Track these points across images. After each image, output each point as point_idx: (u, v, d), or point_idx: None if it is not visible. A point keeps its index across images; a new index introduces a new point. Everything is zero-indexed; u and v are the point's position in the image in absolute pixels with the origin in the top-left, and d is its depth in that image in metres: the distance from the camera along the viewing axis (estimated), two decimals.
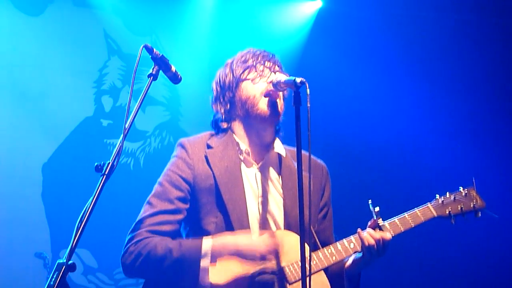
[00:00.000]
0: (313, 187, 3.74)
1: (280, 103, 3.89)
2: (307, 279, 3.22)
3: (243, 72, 3.91)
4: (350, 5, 8.06)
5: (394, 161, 7.83)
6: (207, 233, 3.73)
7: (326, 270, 3.87)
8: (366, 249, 3.79)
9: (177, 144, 3.97)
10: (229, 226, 3.73)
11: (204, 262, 3.59)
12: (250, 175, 3.91)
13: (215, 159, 3.87)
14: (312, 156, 3.45)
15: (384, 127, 7.89)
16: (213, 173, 3.83)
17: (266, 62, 3.92)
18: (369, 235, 3.80)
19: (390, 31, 7.94)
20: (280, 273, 3.70)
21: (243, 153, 3.92)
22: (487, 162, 7.36)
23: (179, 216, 3.80)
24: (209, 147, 3.93)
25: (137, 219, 3.77)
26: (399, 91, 7.86)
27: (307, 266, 3.27)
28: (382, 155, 7.86)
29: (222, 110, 3.98)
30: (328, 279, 3.86)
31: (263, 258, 3.63)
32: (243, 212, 3.78)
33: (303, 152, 3.43)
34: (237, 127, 3.99)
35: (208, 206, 3.79)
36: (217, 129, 4.03)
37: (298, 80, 3.51)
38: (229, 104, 3.96)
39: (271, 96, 3.84)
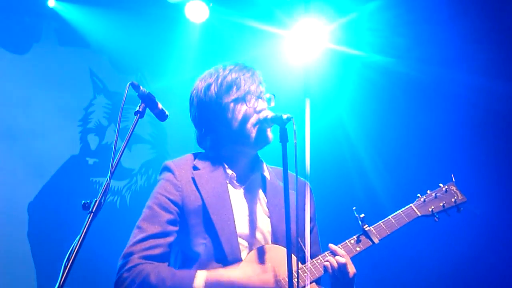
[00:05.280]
0: (299, 203, 3.76)
1: (268, 130, 3.89)
2: None
3: (229, 103, 3.89)
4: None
5: (374, 166, 7.85)
6: (197, 255, 3.73)
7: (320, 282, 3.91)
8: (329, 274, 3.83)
9: (163, 167, 3.96)
10: (218, 247, 3.73)
11: None
12: (237, 196, 3.92)
13: (202, 181, 3.87)
14: (298, 177, 3.51)
15: (362, 137, 7.92)
16: (200, 195, 3.82)
17: (252, 88, 3.91)
18: (328, 262, 3.83)
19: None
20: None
21: (230, 176, 3.94)
22: (465, 158, 7.37)
23: (170, 239, 3.76)
24: (195, 168, 3.93)
25: (128, 244, 3.73)
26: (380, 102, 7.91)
27: (294, 281, 3.29)
28: (361, 161, 7.88)
29: (206, 135, 4.00)
30: None
31: None
32: (232, 232, 3.77)
33: (289, 172, 3.47)
34: (223, 150, 4.00)
35: (197, 227, 3.77)
36: (203, 148, 4.05)
37: (285, 116, 3.55)
38: (213, 131, 3.96)
39: (261, 125, 3.85)
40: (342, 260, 3.81)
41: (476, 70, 7.25)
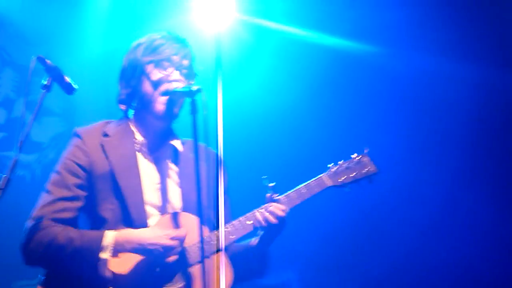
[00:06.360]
0: (210, 174, 3.82)
1: (178, 102, 3.98)
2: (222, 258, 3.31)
3: (147, 64, 4.00)
4: None
5: (285, 134, 7.85)
6: (104, 220, 3.81)
7: (227, 249, 3.97)
8: (268, 223, 3.93)
9: (72, 133, 4.03)
10: (125, 212, 3.81)
11: (104, 255, 3.64)
12: (146, 165, 4.01)
13: (111, 147, 3.95)
14: (208, 148, 3.61)
15: (278, 109, 7.80)
16: (109, 161, 3.90)
17: (174, 57, 4.01)
18: (269, 209, 3.93)
19: None
20: (181, 256, 3.77)
21: (139, 143, 4.02)
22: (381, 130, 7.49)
23: (78, 203, 3.85)
24: (105, 135, 4.00)
25: (36, 207, 3.81)
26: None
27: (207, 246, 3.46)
28: (276, 133, 7.86)
29: (124, 92, 4.10)
30: (232, 258, 3.94)
31: (165, 249, 3.68)
32: (139, 198, 3.86)
33: (200, 144, 3.54)
34: (135, 116, 4.11)
35: (104, 193, 3.85)
36: (121, 104, 4.14)
37: (194, 88, 3.61)
38: (130, 90, 4.05)
39: (170, 97, 3.94)
40: (282, 210, 3.95)
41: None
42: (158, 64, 3.99)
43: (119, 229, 3.76)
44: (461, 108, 7.34)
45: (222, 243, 3.54)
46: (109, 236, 3.68)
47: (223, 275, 3.27)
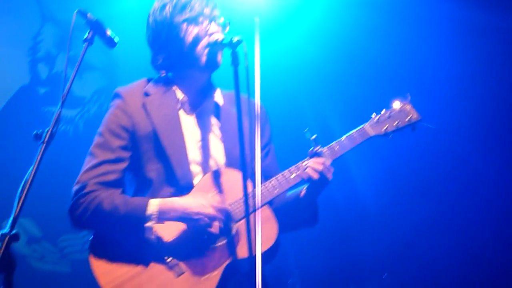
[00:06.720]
0: (252, 126, 3.79)
1: (219, 52, 3.93)
2: (255, 215, 3.22)
3: (181, 23, 3.92)
4: None
5: (326, 87, 7.86)
6: (150, 181, 3.81)
7: (272, 203, 3.93)
8: (309, 178, 3.86)
9: (114, 94, 4.01)
10: (170, 172, 3.80)
11: (148, 223, 3.64)
12: (189, 122, 3.97)
13: (153, 107, 3.91)
14: (251, 99, 3.49)
15: (318, 62, 7.84)
16: (151, 121, 3.87)
17: (205, 9, 3.94)
18: (308, 165, 3.87)
19: None
20: (225, 214, 3.74)
21: (181, 101, 3.97)
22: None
23: (122, 165, 3.85)
24: (146, 94, 3.97)
25: (81, 171, 3.81)
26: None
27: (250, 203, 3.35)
28: (316, 81, 7.88)
29: (160, 57, 4.02)
30: (278, 211, 3.91)
31: (210, 219, 3.66)
32: (183, 156, 3.84)
33: (242, 95, 3.46)
34: (175, 73, 4.06)
35: (149, 153, 3.84)
36: (155, 68, 4.07)
37: (235, 39, 3.55)
38: (166, 53, 3.99)
39: (211, 48, 3.87)
40: (324, 162, 3.87)
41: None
42: (192, 21, 3.92)
43: (164, 192, 3.77)
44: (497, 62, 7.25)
45: (258, 201, 3.50)
46: (153, 205, 3.67)
47: (259, 232, 3.23)
